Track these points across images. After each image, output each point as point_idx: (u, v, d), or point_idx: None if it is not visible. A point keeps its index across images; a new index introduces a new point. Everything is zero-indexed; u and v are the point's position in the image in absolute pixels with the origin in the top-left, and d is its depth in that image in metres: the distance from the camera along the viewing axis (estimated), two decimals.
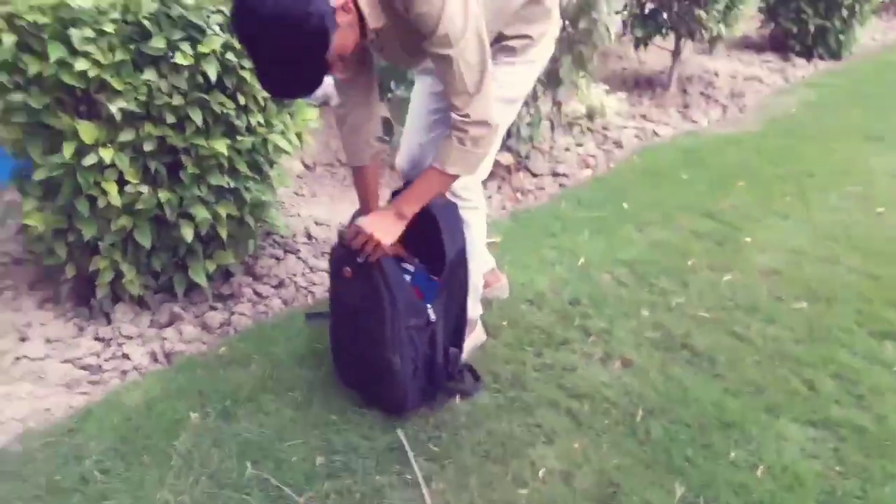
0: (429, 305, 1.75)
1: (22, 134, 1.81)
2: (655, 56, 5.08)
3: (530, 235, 2.79)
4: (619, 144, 3.85)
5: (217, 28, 1.96)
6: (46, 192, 1.91)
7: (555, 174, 3.45)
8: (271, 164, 2.26)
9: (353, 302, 1.75)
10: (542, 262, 2.59)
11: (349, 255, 1.68)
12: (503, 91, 1.80)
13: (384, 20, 1.50)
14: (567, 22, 3.12)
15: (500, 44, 1.78)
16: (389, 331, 1.70)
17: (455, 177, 1.67)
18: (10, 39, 1.67)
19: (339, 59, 1.44)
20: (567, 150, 3.71)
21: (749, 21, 6.00)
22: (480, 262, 2.03)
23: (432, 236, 1.76)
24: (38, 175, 1.82)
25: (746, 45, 5.97)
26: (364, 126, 1.82)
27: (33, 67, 1.72)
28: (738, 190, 3.21)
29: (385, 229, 1.65)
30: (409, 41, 1.54)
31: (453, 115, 1.58)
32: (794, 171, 3.41)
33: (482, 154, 1.63)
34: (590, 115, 4.02)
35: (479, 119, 1.57)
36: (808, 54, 5.56)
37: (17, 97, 1.75)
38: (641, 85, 4.80)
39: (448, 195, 1.83)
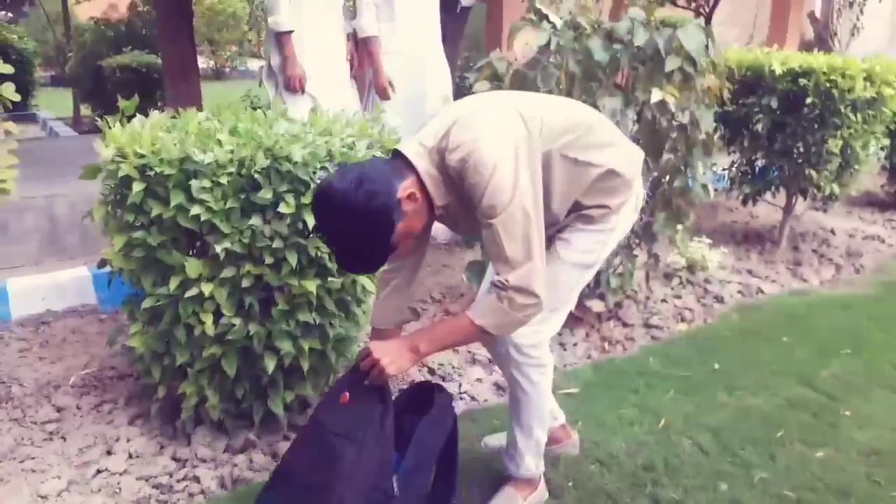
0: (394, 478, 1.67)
1: (138, 266, 2.04)
2: (768, 210, 5.00)
3: (611, 390, 2.74)
4: (719, 299, 3.76)
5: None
6: (151, 318, 2.12)
7: (647, 325, 3.40)
8: (359, 302, 2.40)
9: (334, 431, 1.66)
10: (619, 420, 2.53)
11: (356, 378, 1.69)
12: (578, 256, 1.86)
13: (448, 197, 1.63)
14: (665, 179, 3.18)
15: (578, 212, 1.84)
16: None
17: (481, 331, 1.65)
18: (139, 187, 1.93)
19: (405, 240, 1.58)
20: (664, 301, 3.67)
21: (874, 177, 5.84)
22: (546, 420, 2.02)
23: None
24: (147, 303, 2.03)
25: (870, 202, 5.78)
26: (405, 291, 1.90)
27: (156, 210, 1.97)
28: (843, 357, 3.03)
29: (393, 358, 1.66)
30: (470, 212, 1.64)
31: (494, 277, 1.64)
32: None
33: (519, 320, 1.64)
34: (690, 268, 3.98)
35: (520, 286, 1.59)
36: None
37: (139, 235, 1.99)
38: (751, 239, 4.72)
39: (514, 352, 1.87)
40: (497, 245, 1.59)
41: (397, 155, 1.68)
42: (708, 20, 11.63)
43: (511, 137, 1.62)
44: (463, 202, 1.63)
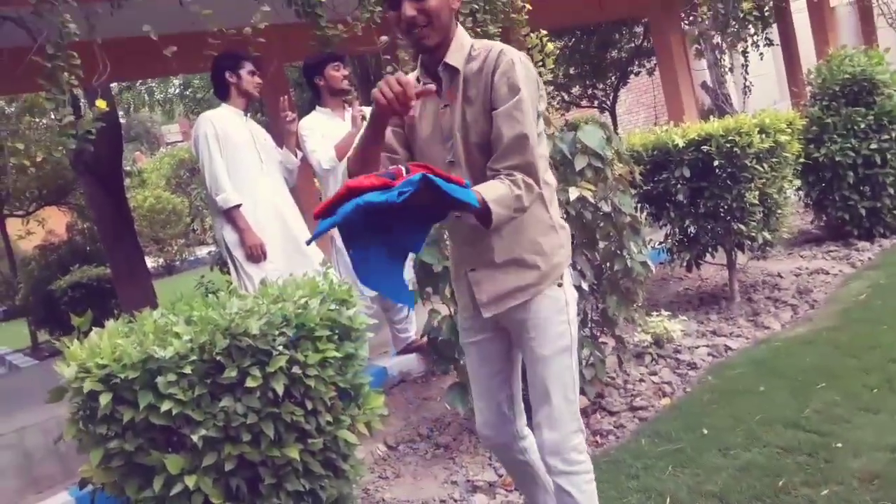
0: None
1: (119, 476, 2.04)
2: (714, 270, 5.20)
3: (612, 482, 2.75)
4: (692, 366, 3.85)
5: (281, 348, 2.24)
6: None
7: (632, 408, 3.44)
8: (345, 458, 2.40)
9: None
10: None
11: None
12: (556, 343, 1.96)
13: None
14: (606, 265, 3.34)
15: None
16: None
17: (484, 213, 1.67)
18: (106, 398, 1.97)
19: None
20: (641, 380, 3.73)
21: (801, 216, 6.15)
22: None
23: None
24: None
25: (806, 239, 6.05)
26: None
27: (127, 415, 2.00)
28: (820, 392, 3.11)
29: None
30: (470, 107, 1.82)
31: (501, 165, 1.76)
32: (876, 361, 3.30)
33: (521, 208, 1.76)
34: (657, 342, 4.08)
35: (529, 170, 1.76)
36: (868, 235, 5.57)
37: (115, 444, 2.01)
38: (706, 301, 4.88)
39: (561, 464, 1.92)
40: (517, 122, 1.74)
41: None
42: (612, 112, 12.41)
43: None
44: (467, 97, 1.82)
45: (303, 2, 3.64)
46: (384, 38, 3.85)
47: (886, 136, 5.41)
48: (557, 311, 1.96)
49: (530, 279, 1.93)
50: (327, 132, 4.08)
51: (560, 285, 1.97)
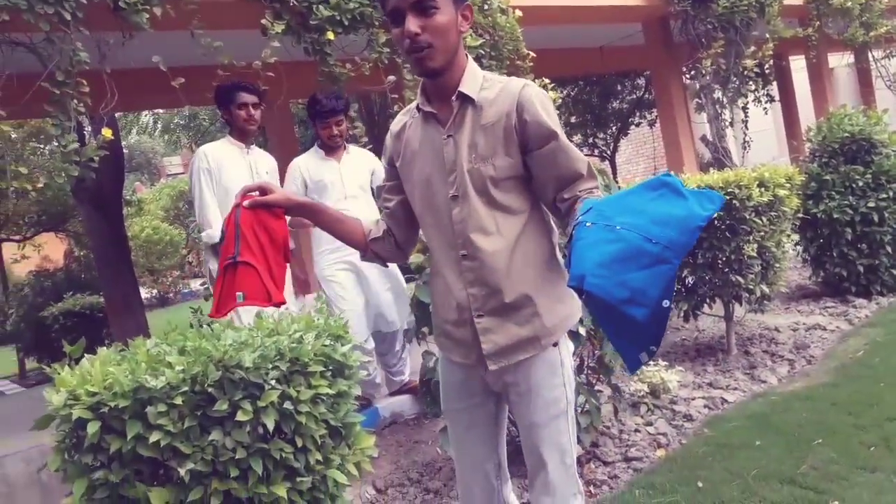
0: None
1: None
2: (712, 322, 5.19)
3: None
4: (689, 417, 3.81)
5: (274, 382, 2.21)
6: None
7: (627, 459, 3.39)
8: (333, 498, 2.35)
9: None
10: None
11: None
12: (550, 410, 1.86)
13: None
14: None
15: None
16: None
17: None
18: (94, 427, 1.93)
19: None
20: (637, 430, 3.69)
21: (799, 271, 6.16)
22: None
23: None
24: None
25: (803, 294, 6.05)
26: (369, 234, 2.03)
27: (114, 445, 1.96)
28: (817, 449, 3.07)
29: None
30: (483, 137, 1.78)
31: (579, 190, 1.76)
32: (874, 419, 3.26)
33: None
34: (653, 393, 4.04)
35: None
36: (866, 293, 5.58)
37: (100, 475, 1.97)
38: (703, 353, 4.85)
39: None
40: (570, 155, 1.76)
41: None
42: (612, 161, 12.57)
43: None
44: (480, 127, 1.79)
45: (312, 40, 3.70)
46: (391, 77, 3.91)
47: (884, 195, 5.46)
48: (552, 374, 1.85)
49: (538, 327, 1.82)
50: (318, 176, 4.06)
51: (556, 344, 1.85)
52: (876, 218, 5.44)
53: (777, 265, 4.53)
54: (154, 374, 2.04)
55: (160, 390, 2.01)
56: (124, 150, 10.30)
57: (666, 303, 1.35)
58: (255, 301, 2.11)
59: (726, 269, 4.40)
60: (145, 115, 13.15)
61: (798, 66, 9.78)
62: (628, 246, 1.39)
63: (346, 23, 3.72)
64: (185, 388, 2.06)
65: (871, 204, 5.44)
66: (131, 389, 2.00)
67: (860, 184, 5.48)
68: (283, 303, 2.15)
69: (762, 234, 4.33)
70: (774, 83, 9.38)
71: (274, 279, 2.11)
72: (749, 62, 6.55)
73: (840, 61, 11.12)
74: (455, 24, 1.75)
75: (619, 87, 12.25)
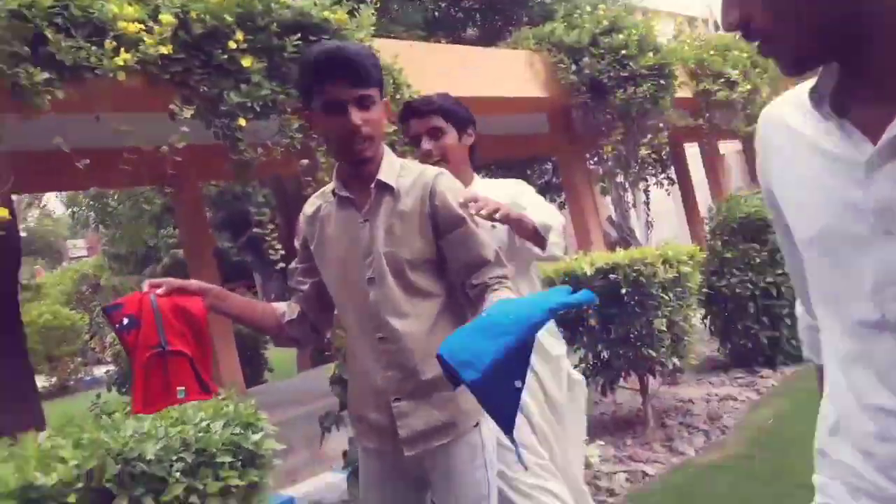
0: None
1: None
2: (629, 395, 5.26)
3: None
4: (611, 492, 3.79)
5: (179, 475, 2.07)
6: None
7: None
8: None
9: None
10: None
11: None
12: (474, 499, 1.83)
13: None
14: None
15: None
16: None
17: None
18: None
19: None
20: None
21: (708, 343, 6.38)
22: None
23: None
24: None
25: (714, 365, 6.25)
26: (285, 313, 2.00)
27: None
28: None
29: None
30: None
31: (489, 277, 1.78)
32: (786, 488, 3.33)
33: None
34: None
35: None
36: (771, 363, 5.81)
37: None
38: (621, 426, 4.89)
39: None
40: (479, 241, 1.81)
41: None
42: None
43: None
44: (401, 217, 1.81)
45: (223, 125, 3.66)
46: (305, 161, 3.90)
47: (780, 271, 5.77)
48: (472, 457, 1.83)
49: (455, 411, 1.80)
50: None
51: (476, 425, 1.84)
52: (775, 292, 5.73)
53: (687, 338, 4.67)
54: (46, 470, 1.88)
55: (51, 488, 1.85)
56: (22, 234, 9.79)
57: (518, 384, 1.38)
58: (196, 396, 1.99)
59: (638, 343, 4.50)
60: (53, 197, 12.62)
61: (693, 152, 10.43)
62: (488, 321, 1.46)
63: (258, 109, 3.70)
64: (80, 485, 1.90)
65: (769, 279, 5.74)
66: (18, 489, 1.83)
67: (758, 261, 5.79)
68: (218, 392, 2.04)
69: (670, 308, 4.47)
70: (672, 168, 9.94)
71: (205, 366, 2.00)
72: (644, 151, 6.93)
73: (731, 147, 11.97)
74: (382, 117, 1.83)
75: (528, 172, 12.69)
